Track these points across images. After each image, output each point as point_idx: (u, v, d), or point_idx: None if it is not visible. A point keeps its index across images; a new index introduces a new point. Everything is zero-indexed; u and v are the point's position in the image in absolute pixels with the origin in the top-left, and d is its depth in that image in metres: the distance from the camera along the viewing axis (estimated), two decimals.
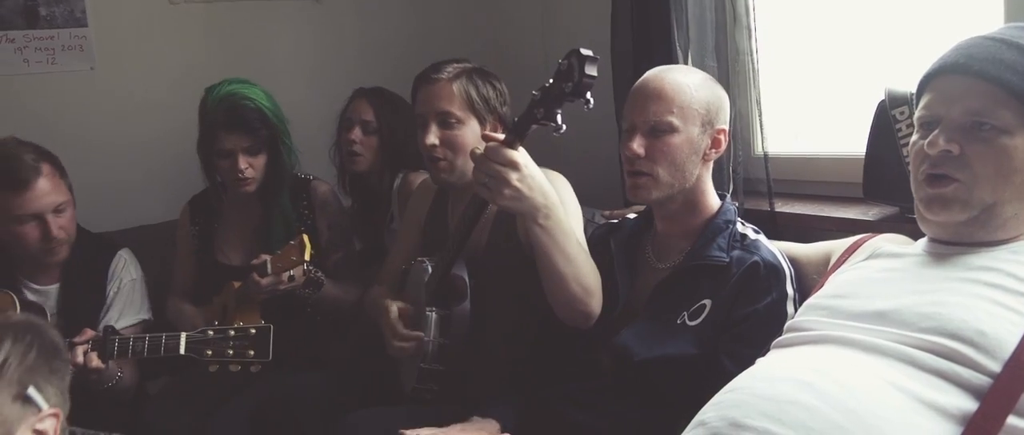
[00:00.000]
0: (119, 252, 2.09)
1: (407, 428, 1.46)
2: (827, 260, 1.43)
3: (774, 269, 1.42)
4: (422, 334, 1.63)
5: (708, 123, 1.47)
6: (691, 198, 1.51)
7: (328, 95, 2.47)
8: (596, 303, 1.47)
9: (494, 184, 1.34)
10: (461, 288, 1.64)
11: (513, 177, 1.32)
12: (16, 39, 2.46)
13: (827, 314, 1.14)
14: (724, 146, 1.52)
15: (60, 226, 1.87)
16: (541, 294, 1.61)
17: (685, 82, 1.48)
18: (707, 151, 1.49)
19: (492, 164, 1.33)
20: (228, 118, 1.93)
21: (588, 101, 1.22)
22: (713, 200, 1.54)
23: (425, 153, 1.74)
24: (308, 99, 2.59)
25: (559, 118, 1.27)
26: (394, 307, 1.70)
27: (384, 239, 2.35)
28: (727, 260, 1.44)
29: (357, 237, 2.33)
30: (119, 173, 2.60)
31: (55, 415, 1.07)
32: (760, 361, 1.16)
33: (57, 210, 1.86)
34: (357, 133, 2.30)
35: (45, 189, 1.83)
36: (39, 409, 1.05)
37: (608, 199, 2.13)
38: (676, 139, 1.44)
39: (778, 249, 1.48)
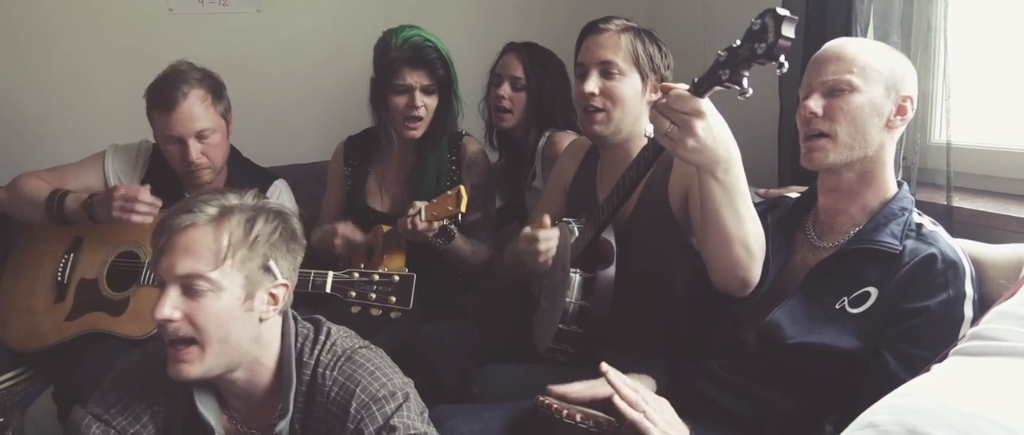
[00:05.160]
0: (276, 182, 2.18)
1: (541, 388, 1.45)
2: (1019, 266, 1.31)
3: (953, 264, 1.30)
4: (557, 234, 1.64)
5: (892, 87, 1.37)
6: (869, 169, 1.40)
7: (481, 49, 2.47)
8: (757, 270, 1.40)
9: (677, 134, 1.27)
10: (608, 252, 1.61)
11: (699, 126, 1.25)
12: None
13: None
14: (911, 114, 1.40)
15: (201, 152, 1.93)
16: (685, 267, 1.56)
17: (866, 46, 1.40)
18: (891, 118, 1.38)
19: (677, 112, 1.27)
20: (412, 56, 1.99)
21: (782, 65, 1.14)
22: (890, 181, 1.43)
23: (581, 103, 1.71)
24: (461, 52, 2.60)
25: (746, 82, 1.19)
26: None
27: (524, 197, 2.35)
28: (899, 248, 1.34)
29: (499, 193, 2.34)
30: (277, 112, 2.73)
31: (285, 285, 1.29)
32: (939, 368, 1.06)
33: (200, 135, 1.93)
34: (506, 89, 2.30)
35: (190, 114, 1.90)
36: (275, 278, 1.26)
37: (763, 178, 2.03)
38: (857, 99, 1.35)
39: (959, 245, 1.36)
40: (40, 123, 2.53)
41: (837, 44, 1.42)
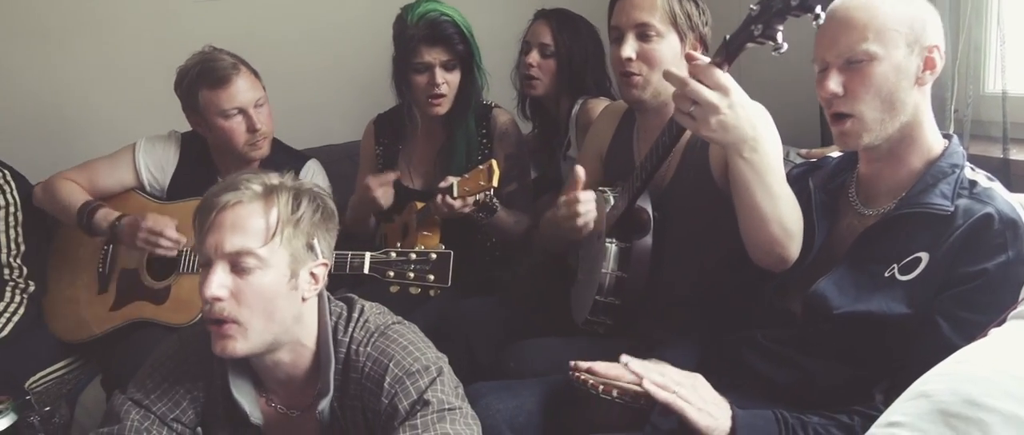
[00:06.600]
0: (309, 162, 2.20)
1: (577, 360, 1.43)
2: None
3: (1012, 224, 1.22)
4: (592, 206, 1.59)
5: (914, 41, 1.25)
6: (907, 133, 1.31)
7: (511, 17, 2.44)
8: (795, 247, 1.35)
9: (700, 112, 1.22)
10: (644, 221, 1.57)
11: (723, 104, 1.20)
12: None
13: None
14: (940, 65, 1.29)
15: (261, 121, 2.00)
16: (728, 233, 1.51)
17: (876, 1, 1.27)
18: (920, 74, 1.27)
19: (700, 89, 1.21)
20: (429, 32, 1.95)
21: (818, 16, 1.08)
22: (933, 136, 1.33)
23: (618, 68, 1.66)
24: (490, 22, 2.56)
25: (780, 36, 1.13)
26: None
27: (560, 167, 2.31)
28: (951, 209, 1.25)
29: (533, 164, 2.31)
30: (307, 93, 2.73)
31: (325, 265, 1.30)
32: (997, 332, 1.00)
33: (257, 105, 1.99)
34: (534, 57, 2.26)
35: (245, 85, 1.96)
36: (317, 257, 1.27)
37: (804, 137, 1.96)
38: (878, 68, 1.25)
39: (1018, 201, 1.28)
40: (73, 116, 2.57)
41: (842, 7, 1.27)
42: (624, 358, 1.30)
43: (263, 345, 1.24)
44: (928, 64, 1.27)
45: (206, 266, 1.21)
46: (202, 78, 1.94)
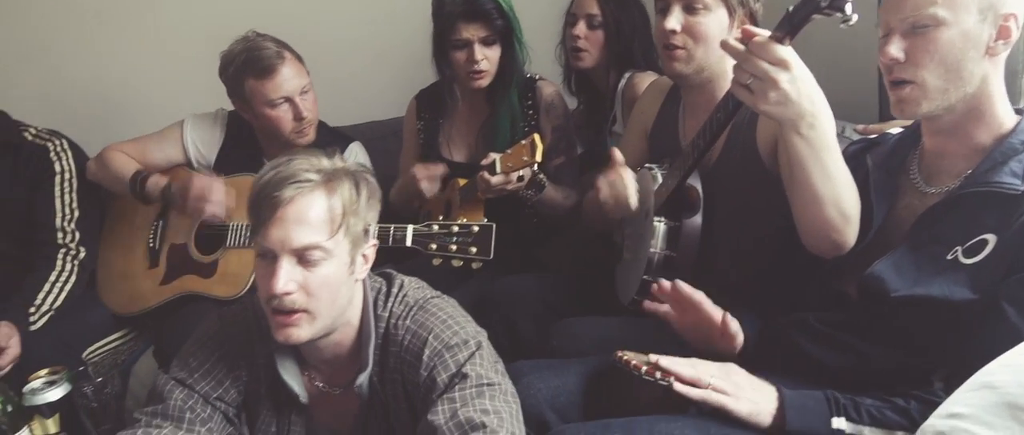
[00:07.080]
0: (351, 144, 2.21)
1: (622, 342, 1.40)
2: None
3: None
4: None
5: (988, 7, 1.18)
6: (974, 105, 1.23)
7: None
8: (852, 232, 1.29)
9: (759, 86, 1.17)
10: (694, 200, 1.53)
11: (784, 79, 1.15)
12: None
13: None
14: (1016, 35, 1.20)
15: (307, 108, 2.00)
16: (776, 213, 1.47)
17: None
18: (991, 44, 1.19)
19: (759, 63, 1.16)
20: (467, 8, 1.93)
21: None
22: (1004, 111, 1.26)
23: (661, 40, 1.61)
24: None
25: (849, 7, 1.07)
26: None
27: (606, 143, 2.27)
28: (1022, 189, 1.18)
29: (579, 140, 2.27)
30: (352, 71, 2.74)
31: (375, 245, 1.32)
32: None
33: (303, 92, 1.99)
34: (581, 28, 2.22)
35: (291, 73, 1.96)
36: (370, 239, 1.30)
37: (861, 112, 1.88)
38: (945, 34, 1.18)
39: None
40: (122, 96, 2.61)
41: None
42: (653, 357, 1.27)
43: (324, 329, 1.25)
44: (1002, 33, 1.19)
45: (270, 259, 1.19)
46: (248, 67, 1.94)
